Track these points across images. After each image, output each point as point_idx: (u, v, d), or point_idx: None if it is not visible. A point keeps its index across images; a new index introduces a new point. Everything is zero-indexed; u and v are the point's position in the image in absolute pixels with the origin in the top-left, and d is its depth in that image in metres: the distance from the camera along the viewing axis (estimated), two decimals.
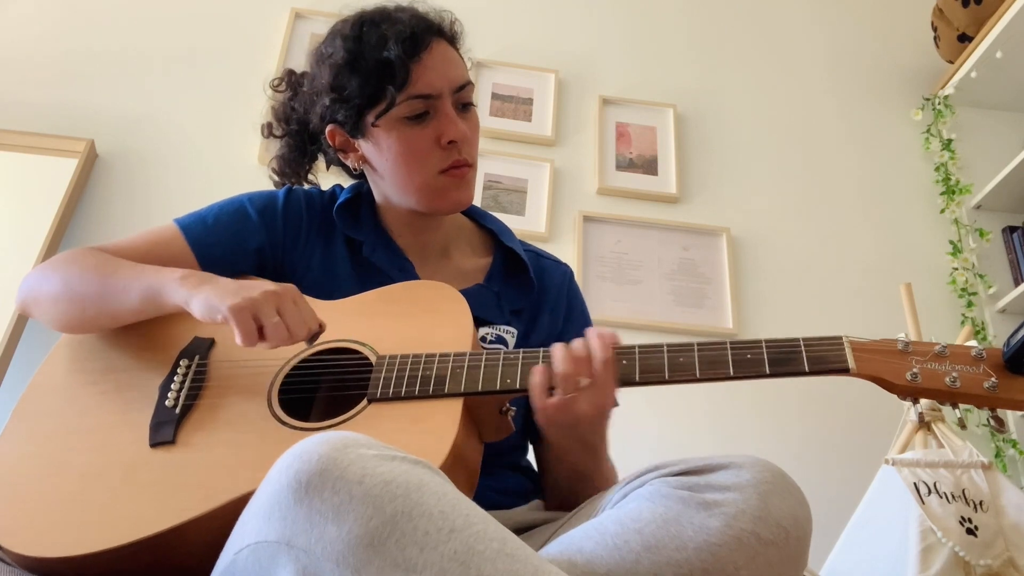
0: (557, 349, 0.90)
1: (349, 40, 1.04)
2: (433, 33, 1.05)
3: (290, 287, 0.91)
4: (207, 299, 0.87)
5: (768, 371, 0.87)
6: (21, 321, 1.97)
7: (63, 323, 0.99)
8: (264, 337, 0.86)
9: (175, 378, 0.93)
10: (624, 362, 0.90)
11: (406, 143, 1.03)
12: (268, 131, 1.18)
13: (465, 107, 1.07)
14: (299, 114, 1.13)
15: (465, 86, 1.06)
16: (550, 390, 0.89)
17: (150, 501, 0.81)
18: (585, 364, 0.88)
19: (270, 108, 1.19)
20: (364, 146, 1.08)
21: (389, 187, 1.10)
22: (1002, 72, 2.61)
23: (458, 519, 0.63)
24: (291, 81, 1.17)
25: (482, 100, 2.57)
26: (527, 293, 1.13)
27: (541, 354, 0.91)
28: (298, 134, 1.15)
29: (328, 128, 1.09)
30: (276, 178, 1.19)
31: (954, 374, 0.84)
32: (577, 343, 0.90)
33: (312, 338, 0.90)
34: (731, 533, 0.69)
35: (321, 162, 1.20)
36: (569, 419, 0.89)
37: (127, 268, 0.97)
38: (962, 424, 0.92)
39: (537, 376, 0.88)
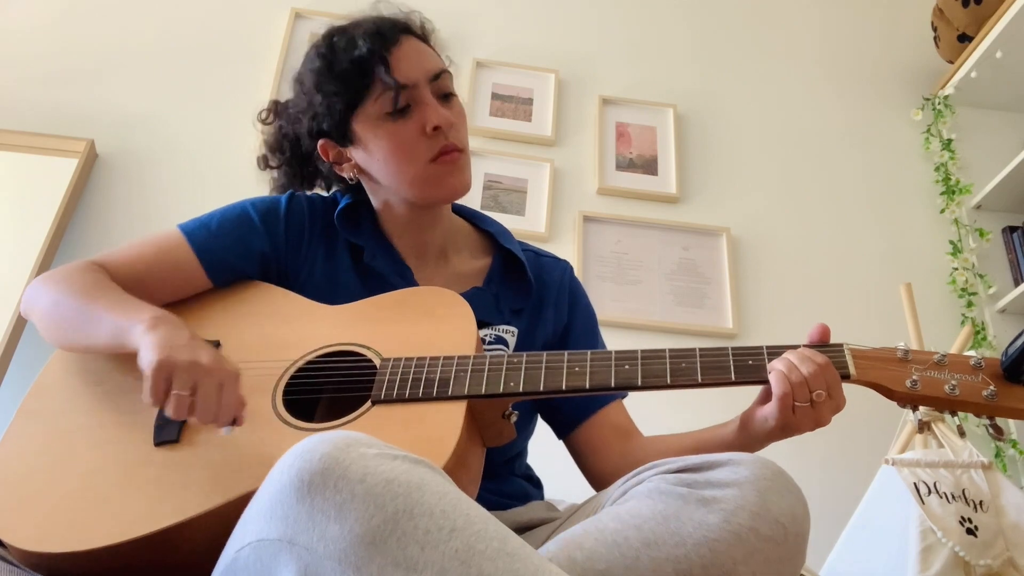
0: (793, 370, 0.87)
1: (322, 49, 1.07)
2: (400, 30, 1.07)
3: (227, 371, 0.84)
4: (147, 346, 0.84)
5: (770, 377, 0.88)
6: (21, 321, 1.97)
7: (50, 339, 1.00)
8: (166, 404, 0.82)
9: None
10: (626, 367, 0.90)
11: (393, 139, 1.04)
12: (264, 163, 1.19)
13: (447, 97, 1.08)
14: (290, 138, 1.14)
15: (441, 74, 1.07)
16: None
17: (153, 498, 0.81)
18: (821, 380, 0.87)
19: (262, 142, 1.20)
20: (355, 153, 1.09)
21: (386, 188, 1.10)
22: (1002, 72, 2.61)
23: (459, 518, 0.63)
24: (277, 110, 1.18)
25: (482, 100, 2.57)
26: (526, 293, 1.14)
27: (544, 358, 0.91)
28: (293, 159, 1.16)
29: (320, 143, 1.10)
30: (281, 188, 1.19)
31: (953, 382, 0.85)
32: (797, 361, 0.88)
33: (228, 428, 0.85)
34: (730, 529, 0.69)
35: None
36: (806, 428, 0.89)
37: (106, 299, 0.94)
38: (961, 432, 0.93)
39: (785, 386, 0.87)
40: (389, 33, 1.05)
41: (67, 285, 0.98)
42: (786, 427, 0.89)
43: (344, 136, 1.07)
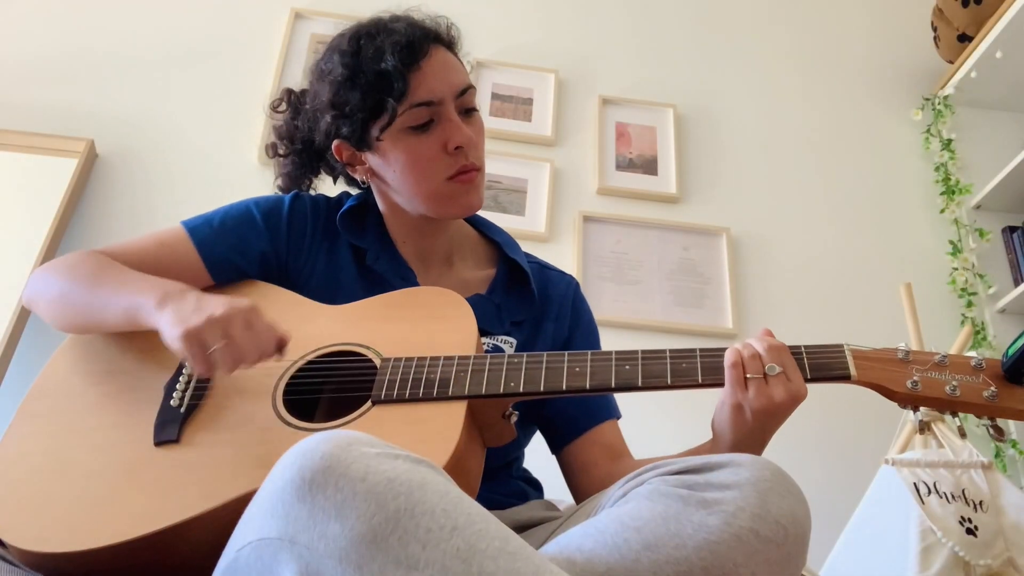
0: (747, 346, 0.88)
1: (347, 55, 1.04)
2: (430, 40, 1.05)
3: (243, 307, 0.87)
4: (165, 326, 0.87)
5: None
6: (21, 320, 1.97)
7: (59, 326, 1.01)
8: (212, 363, 0.84)
9: (180, 378, 0.94)
10: (627, 367, 0.90)
11: (413, 153, 1.03)
12: (273, 151, 1.18)
13: (468, 112, 1.07)
14: (303, 132, 1.13)
15: (467, 90, 1.06)
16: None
17: (153, 498, 0.81)
18: (776, 356, 0.87)
19: (272, 128, 1.19)
20: (371, 159, 1.08)
21: (398, 196, 1.10)
22: (1002, 72, 2.61)
23: (460, 517, 0.63)
24: (291, 100, 1.17)
25: (482, 100, 2.57)
26: (529, 305, 1.13)
27: (544, 358, 0.91)
28: (303, 152, 1.15)
29: (335, 144, 1.09)
30: (282, 188, 1.19)
31: (954, 383, 0.85)
32: (753, 341, 0.90)
33: (278, 350, 0.89)
34: (730, 531, 0.69)
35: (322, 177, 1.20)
36: (764, 403, 0.86)
37: (115, 280, 0.97)
38: (962, 432, 0.93)
39: (735, 356, 0.87)
40: (419, 44, 1.03)
41: (73, 272, 0.99)
42: (739, 406, 0.87)
43: (362, 141, 1.06)
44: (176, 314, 0.87)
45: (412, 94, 1.01)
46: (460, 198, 1.07)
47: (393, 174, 1.06)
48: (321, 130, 1.08)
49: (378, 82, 1.01)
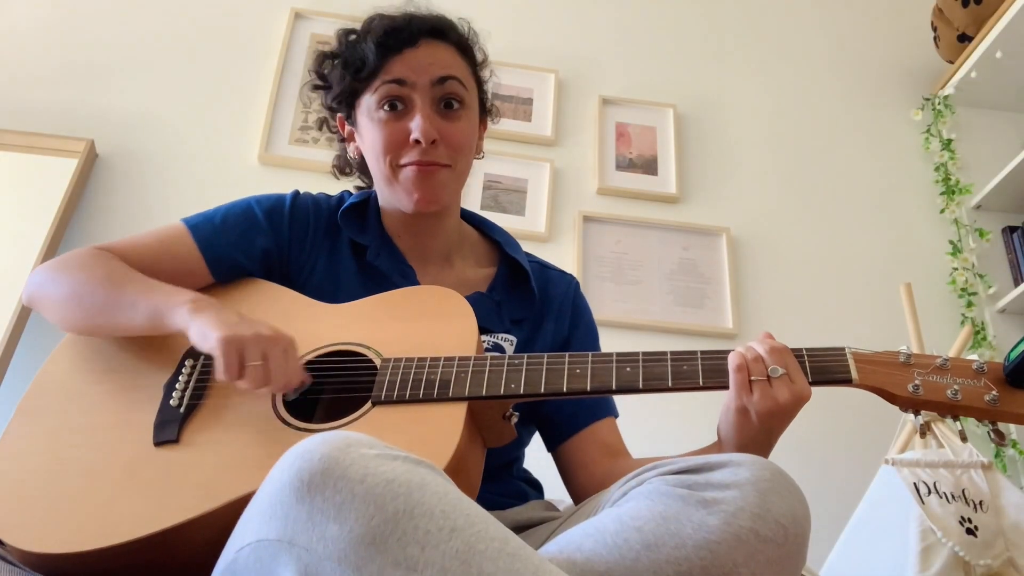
0: (750, 349, 0.88)
1: (353, 30, 1.10)
2: (423, 33, 1.06)
3: (286, 337, 0.89)
4: (202, 326, 0.88)
5: None
6: (22, 320, 1.97)
7: (69, 326, 1.00)
8: (243, 376, 0.86)
9: (180, 378, 0.94)
10: (628, 369, 0.90)
11: (376, 132, 1.06)
12: (322, 124, 1.21)
13: (448, 104, 1.07)
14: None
15: (447, 79, 1.06)
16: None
17: (153, 499, 0.81)
18: (779, 358, 0.87)
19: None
20: (357, 136, 1.12)
21: (373, 179, 1.13)
22: (1002, 72, 2.61)
23: (459, 518, 0.63)
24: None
25: None
26: (529, 303, 1.13)
27: (545, 360, 0.91)
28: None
29: (338, 116, 1.14)
30: (335, 169, 1.23)
31: (955, 387, 0.85)
32: (755, 343, 0.89)
33: (296, 390, 0.90)
34: (730, 531, 0.68)
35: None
36: (769, 405, 0.86)
37: (137, 283, 0.97)
38: (963, 436, 0.92)
39: (739, 359, 0.87)
40: (406, 34, 1.05)
41: (88, 273, 0.98)
42: (744, 409, 0.87)
43: (349, 117, 1.12)
44: (218, 319, 0.88)
45: (384, 74, 1.05)
46: (411, 190, 1.06)
47: (366, 153, 1.10)
48: (326, 101, 1.14)
49: (360, 56, 1.06)
